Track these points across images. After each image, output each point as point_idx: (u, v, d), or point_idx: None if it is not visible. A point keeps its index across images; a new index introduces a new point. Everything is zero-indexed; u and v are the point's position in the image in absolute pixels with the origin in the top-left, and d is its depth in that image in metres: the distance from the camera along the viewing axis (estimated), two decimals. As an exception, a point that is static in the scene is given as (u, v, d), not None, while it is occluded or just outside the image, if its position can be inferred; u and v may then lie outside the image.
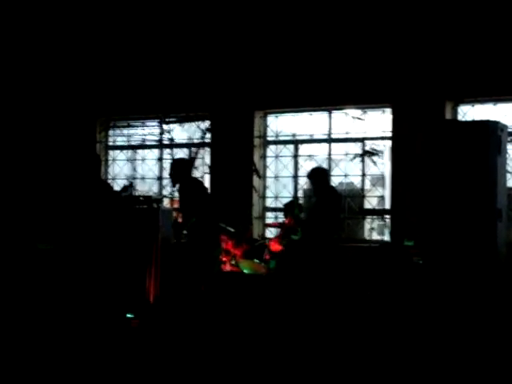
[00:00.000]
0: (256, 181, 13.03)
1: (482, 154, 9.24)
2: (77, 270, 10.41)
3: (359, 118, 12.45)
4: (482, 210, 9.27)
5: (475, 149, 9.27)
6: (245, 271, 11.23)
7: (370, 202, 12.64)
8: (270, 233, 13.03)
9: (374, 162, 12.38)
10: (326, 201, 10.72)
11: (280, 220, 12.57)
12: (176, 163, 10.70)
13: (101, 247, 10.22)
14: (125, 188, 11.06)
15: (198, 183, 10.87)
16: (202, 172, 13.53)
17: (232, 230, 11.40)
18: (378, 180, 12.81)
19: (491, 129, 9.30)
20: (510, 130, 10.58)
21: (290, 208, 11.56)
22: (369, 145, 12.53)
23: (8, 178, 13.79)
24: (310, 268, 10.40)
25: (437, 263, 9.54)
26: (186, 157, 13.40)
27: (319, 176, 11.01)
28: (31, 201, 13.37)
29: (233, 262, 11.39)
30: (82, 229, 10.40)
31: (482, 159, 9.24)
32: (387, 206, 12.40)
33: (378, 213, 12.22)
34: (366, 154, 12.39)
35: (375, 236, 12.52)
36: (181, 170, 10.48)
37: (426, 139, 10.71)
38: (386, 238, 12.17)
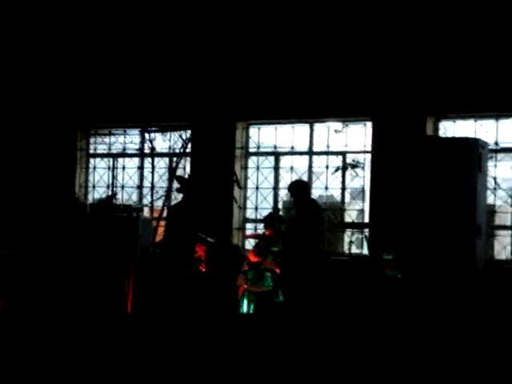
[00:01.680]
0: (236, 191, 13.01)
1: (463, 171, 9.32)
2: (40, 276, 10.45)
3: (340, 131, 12.47)
4: (461, 226, 9.34)
5: (456, 165, 9.35)
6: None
7: (350, 216, 12.66)
8: (249, 244, 13.01)
9: (357, 175, 12.40)
10: (306, 214, 10.76)
11: (260, 231, 12.58)
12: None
13: (68, 254, 10.27)
14: (108, 198, 11.10)
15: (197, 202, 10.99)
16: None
17: (212, 240, 11.39)
18: (358, 193, 12.84)
19: (472, 146, 9.40)
20: (490, 147, 10.66)
21: (270, 219, 11.55)
22: (350, 158, 12.56)
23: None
24: (290, 280, 10.43)
25: (416, 277, 9.59)
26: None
27: (299, 189, 11.06)
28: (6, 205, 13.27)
29: (212, 273, 11.37)
30: (47, 235, 10.45)
31: (463, 176, 9.32)
32: (367, 219, 12.42)
33: (358, 226, 12.22)
34: (349, 166, 12.41)
35: (354, 249, 12.52)
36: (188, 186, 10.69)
37: (407, 154, 10.81)
38: (365, 251, 12.18)
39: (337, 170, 12.51)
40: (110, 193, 13.07)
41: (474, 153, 9.35)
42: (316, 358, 8.59)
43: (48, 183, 13.16)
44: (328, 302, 10.33)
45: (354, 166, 12.38)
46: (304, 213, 10.73)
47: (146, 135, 13.76)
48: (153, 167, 13.54)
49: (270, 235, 11.48)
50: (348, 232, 12.56)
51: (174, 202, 12.99)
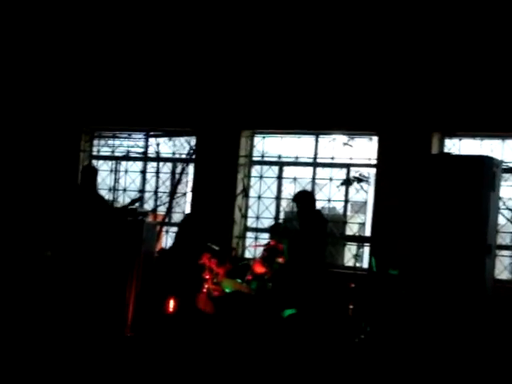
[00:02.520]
0: (239, 200, 12.98)
1: (476, 190, 9.31)
2: (67, 277, 10.40)
3: (349, 145, 12.47)
4: (472, 245, 9.32)
5: (469, 183, 9.33)
6: (226, 290, 11.17)
7: (352, 229, 12.66)
8: (249, 253, 13.01)
9: (362, 188, 12.40)
10: (311, 225, 10.73)
11: (261, 241, 12.57)
12: None
13: (94, 256, 10.24)
14: (134, 201, 11.05)
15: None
16: (185, 188, 13.45)
17: (216, 248, 11.34)
18: (361, 207, 12.85)
19: (487, 164, 9.38)
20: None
21: (275, 230, 11.52)
22: (354, 171, 12.57)
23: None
24: (294, 291, 10.39)
25: (423, 295, 9.58)
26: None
27: (305, 199, 11.04)
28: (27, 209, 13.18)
29: (215, 281, 11.31)
30: (76, 238, 10.40)
31: (476, 194, 9.30)
32: (367, 233, 12.43)
33: (361, 240, 12.19)
34: (355, 180, 12.40)
35: (351, 263, 12.49)
36: None
37: (412, 169, 10.88)
38: (365, 265, 12.17)
39: (343, 184, 12.49)
40: (133, 197, 12.98)
41: (488, 171, 9.34)
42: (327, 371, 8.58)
43: (52, 183, 13.10)
44: (333, 314, 10.31)
45: (361, 180, 12.37)
46: (309, 224, 10.70)
47: (152, 139, 13.71)
48: (158, 172, 13.48)
49: (275, 246, 11.45)
50: (349, 245, 12.57)
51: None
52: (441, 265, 9.48)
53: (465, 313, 9.14)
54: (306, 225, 10.82)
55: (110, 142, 14.18)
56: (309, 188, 12.67)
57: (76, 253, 10.13)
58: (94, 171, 11.18)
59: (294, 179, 13.03)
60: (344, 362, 9.00)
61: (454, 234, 9.40)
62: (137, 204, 11.67)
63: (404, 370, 8.79)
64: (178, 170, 13.33)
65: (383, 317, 9.80)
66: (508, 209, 11.05)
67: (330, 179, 12.71)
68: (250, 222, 13.19)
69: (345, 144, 12.50)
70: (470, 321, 9.10)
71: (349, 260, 12.54)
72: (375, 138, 12.29)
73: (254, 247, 12.60)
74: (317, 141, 12.81)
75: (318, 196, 12.66)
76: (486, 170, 9.35)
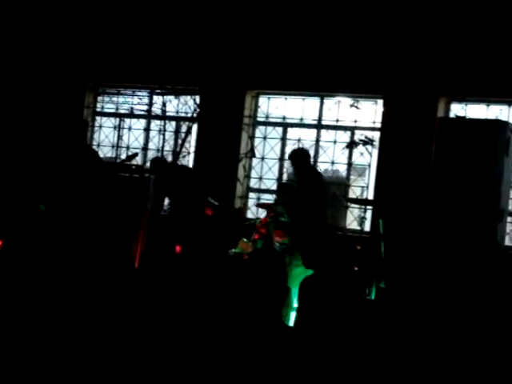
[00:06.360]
0: (243, 160, 12.94)
1: (489, 154, 9.33)
2: (65, 231, 10.30)
3: (356, 107, 12.42)
4: (483, 210, 9.35)
5: (484, 147, 9.35)
6: (232, 249, 11.16)
7: (354, 192, 12.69)
8: (251, 213, 13.01)
9: (368, 152, 12.38)
10: (307, 181, 10.74)
11: (264, 201, 12.56)
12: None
13: (86, 211, 10.14)
14: (129, 157, 10.99)
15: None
16: (188, 148, 13.39)
17: (216, 203, 11.31)
18: (363, 170, 12.85)
19: (502, 129, 9.39)
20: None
21: (283, 189, 11.47)
22: (358, 134, 12.55)
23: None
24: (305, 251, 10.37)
25: (430, 257, 9.62)
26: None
27: (300, 156, 11.01)
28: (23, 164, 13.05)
29: (220, 240, 11.31)
30: (68, 192, 10.30)
31: (490, 159, 9.33)
32: (370, 196, 12.46)
33: (366, 202, 12.19)
34: (361, 142, 12.38)
35: (353, 225, 12.54)
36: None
37: (423, 132, 10.88)
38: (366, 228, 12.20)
39: (348, 146, 12.47)
40: (128, 153, 12.91)
41: (503, 136, 9.35)
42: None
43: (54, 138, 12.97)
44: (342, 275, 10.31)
45: (366, 142, 12.34)
46: (305, 181, 10.71)
47: (158, 97, 13.60)
48: (164, 130, 13.39)
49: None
50: (351, 208, 12.60)
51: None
52: (452, 228, 9.50)
53: (477, 274, 9.17)
54: (301, 182, 10.83)
55: (114, 98, 14.06)
56: (312, 150, 12.63)
57: (75, 207, 10.04)
58: (86, 124, 11.08)
59: (298, 141, 13.00)
60: (357, 320, 9.01)
61: (466, 197, 9.42)
62: (132, 160, 11.61)
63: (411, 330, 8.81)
64: (183, 128, 13.24)
65: (392, 276, 9.84)
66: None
67: (334, 142, 12.70)
68: (253, 183, 13.18)
69: (351, 106, 12.45)
70: (483, 283, 9.13)
71: (351, 222, 12.59)
72: (380, 102, 12.28)
73: (259, 206, 12.56)
74: (322, 103, 12.79)
75: (321, 158, 12.69)
76: (501, 135, 9.36)
